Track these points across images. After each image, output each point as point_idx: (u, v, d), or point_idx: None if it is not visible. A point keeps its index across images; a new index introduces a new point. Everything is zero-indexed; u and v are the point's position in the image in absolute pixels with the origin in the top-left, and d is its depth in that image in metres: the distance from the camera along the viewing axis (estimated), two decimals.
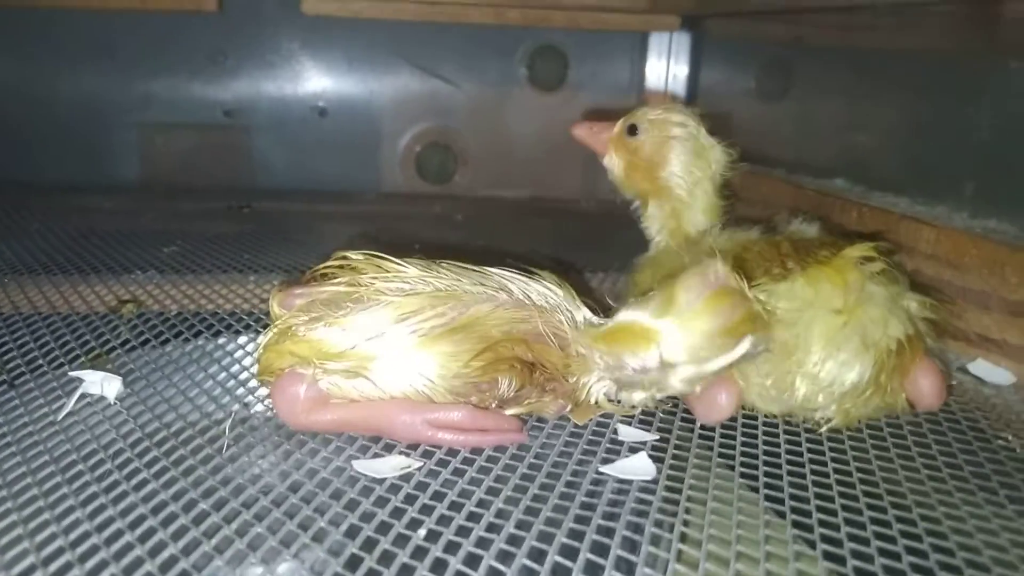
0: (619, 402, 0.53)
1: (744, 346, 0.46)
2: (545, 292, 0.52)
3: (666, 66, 1.39)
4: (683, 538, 0.40)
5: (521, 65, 1.36)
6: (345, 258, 0.53)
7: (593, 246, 1.05)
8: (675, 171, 0.67)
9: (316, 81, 1.32)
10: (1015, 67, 0.69)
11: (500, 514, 0.42)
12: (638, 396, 0.51)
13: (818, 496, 0.45)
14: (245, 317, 0.70)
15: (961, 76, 0.76)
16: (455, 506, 0.42)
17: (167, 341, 0.65)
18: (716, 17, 1.28)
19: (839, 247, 0.55)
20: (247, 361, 0.61)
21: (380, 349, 0.48)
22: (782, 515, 0.43)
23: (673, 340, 0.47)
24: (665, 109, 0.68)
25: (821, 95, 1.01)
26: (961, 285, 0.67)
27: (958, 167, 0.74)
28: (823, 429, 0.52)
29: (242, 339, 0.65)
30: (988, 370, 0.64)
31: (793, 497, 0.45)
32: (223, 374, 0.59)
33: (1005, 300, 0.63)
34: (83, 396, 0.54)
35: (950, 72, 0.78)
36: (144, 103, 1.28)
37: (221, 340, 0.65)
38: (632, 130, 0.68)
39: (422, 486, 0.44)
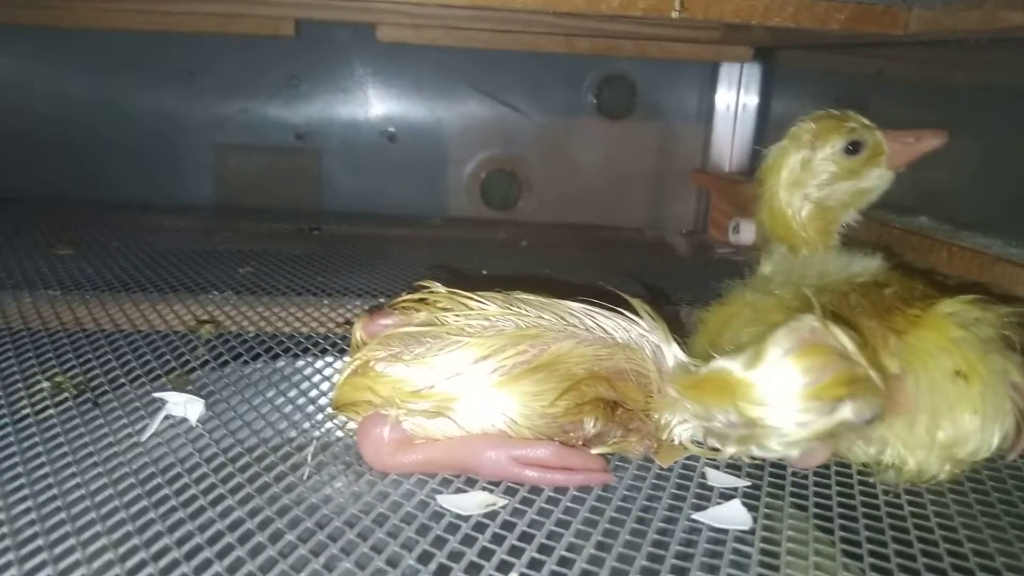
0: (705, 445, 0.52)
1: (843, 413, 0.42)
2: (627, 327, 0.51)
3: (736, 96, 1.37)
4: None
5: (589, 93, 1.36)
6: (428, 290, 0.53)
7: (660, 276, 1.03)
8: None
9: (386, 106, 1.33)
10: None
11: (593, 560, 0.40)
12: (729, 449, 0.49)
13: (895, 540, 0.43)
14: (321, 341, 0.70)
15: None
16: (545, 549, 0.41)
17: (246, 363, 0.65)
18: (788, 48, 1.27)
19: (916, 296, 0.53)
20: (325, 386, 0.61)
21: (460, 389, 0.47)
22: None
23: (755, 397, 0.43)
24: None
25: (903, 128, 0.98)
26: None
27: None
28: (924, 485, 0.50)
29: (319, 364, 0.65)
30: None
31: (869, 540, 0.43)
32: (303, 399, 0.59)
33: None
34: (167, 417, 0.55)
35: None
36: (220, 125, 1.32)
37: (299, 363, 0.65)
38: (855, 147, 0.64)
39: (509, 525, 0.43)
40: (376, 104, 1.33)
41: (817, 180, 0.64)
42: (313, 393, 0.60)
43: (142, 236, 1.09)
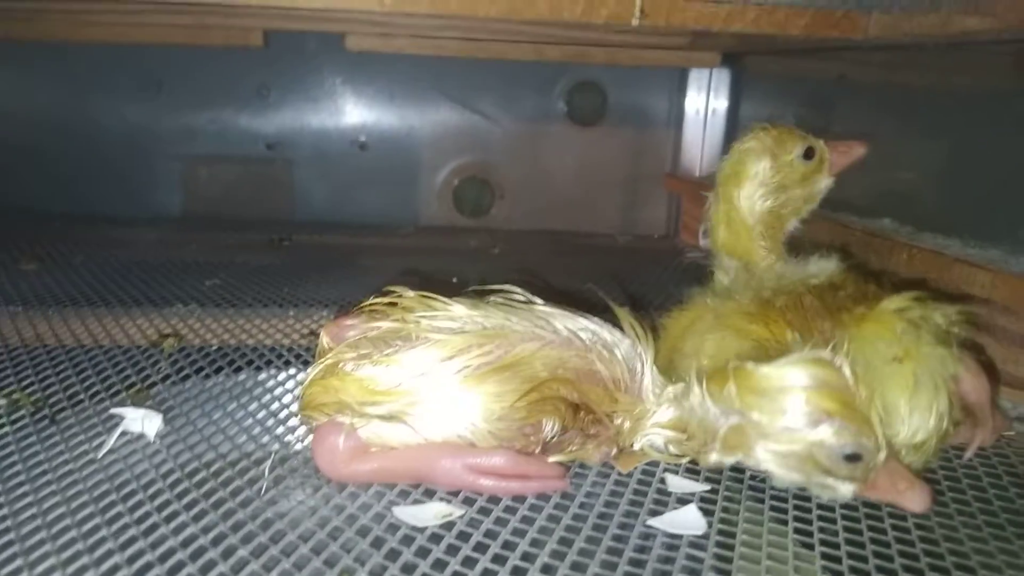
0: (665, 451, 0.52)
1: (824, 431, 0.43)
2: (598, 329, 0.51)
3: (705, 101, 1.38)
4: None
5: (559, 100, 1.37)
6: (396, 294, 0.53)
7: (632, 281, 1.03)
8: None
9: (357, 115, 1.33)
10: None
11: (546, 569, 0.40)
12: (713, 457, 0.48)
13: (877, 555, 0.43)
14: (285, 353, 0.70)
15: (1015, 116, 0.74)
16: (499, 559, 0.41)
17: (208, 376, 0.65)
18: (756, 54, 1.28)
19: (866, 296, 0.54)
20: (287, 399, 0.61)
21: (425, 388, 0.47)
22: (839, 574, 0.42)
23: (753, 384, 0.45)
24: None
25: (867, 131, 0.99)
26: (1017, 331, 0.65)
27: (1013, 210, 0.72)
28: None
29: (282, 376, 0.65)
30: None
31: (852, 556, 0.43)
32: (263, 412, 0.59)
33: None
34: (123, 433, 0.54)
35: (1003, 111, 0.76)
36: (189, 136, 1.31)
37: (262, 376, 0.65)
38: (809, 153, 0.65)
39: (464, 536, 0.43)
40: (347, 113, 1.33)
41: (778, 186, 0.65)
42: (275, 406, 0.60)
43: (109, 249, 1.08)
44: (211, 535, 0.43)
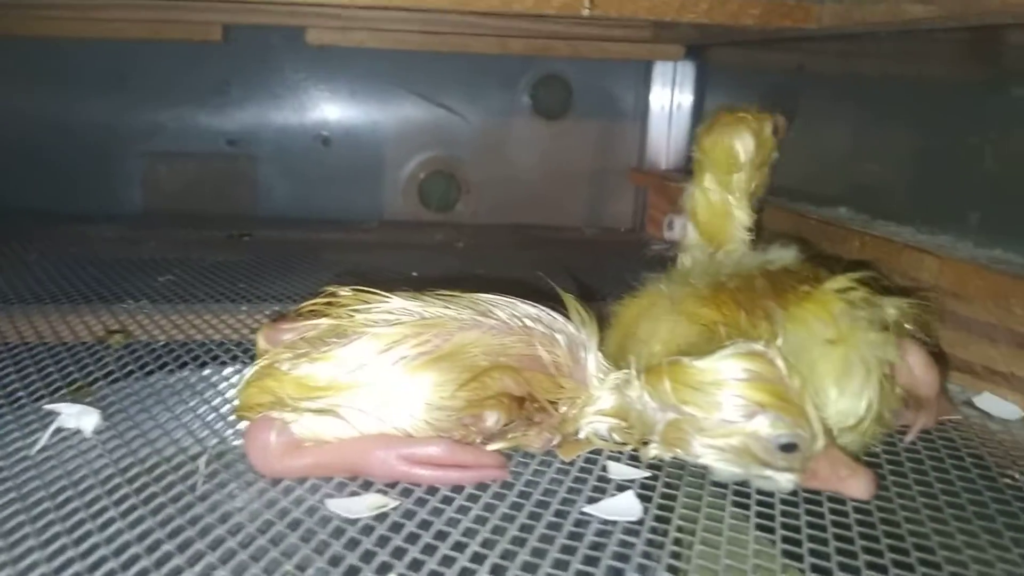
0: (609, 438, 0.52)
1: (759, 423, 0.43)
2: (541, 316, 0.51)
3: (670, 94, 1.38)
4: None
5: (524, 94, 1.36)
6: (332, 294, 0.52)
7: (597, 274, 1.03)
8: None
9: (320, 110, 1.32)
10: (1020, 94, 0.68)
11: (475, 558, 0.40)
12: (652, 450, 0.48)
13: (811, 525, 0.43)
14: (233, 348, 0.69)
15: (965, 104, 0.75)
16: (429, 549, 0.41)
17: (152, 372, 0.64)
18: (720, 46, 1.28)
19: (816, 278, 0.54)
20: (231, 394, 0.60)
21: (362, 381, 0.47)
22: (773, 543, 0.42)
23: (687, 378, 0.45)
24: (731, 125, 0.66)
25: (824, 123, 1.00)
26: (966, 316, 0.65)
27: (962, 196, 0.72)
28: None
29: (228, 371, 0.64)
30: (995, 404, 0.62)
31: (785, 526, 0.43)
32: (205, 407, 0.58)
33: (1012, 332, 0.61)
34: (59, 430, 0.53)
35: (954, 100, 0.76)
36: (150, 132, 1.29)
37: (206, 372, 0.64)
38: (776, 129, 0.67)
39: (396, 527, 0.43)
40: (309, 108, 1.32)
41: (760, 164, 0.65)
42: (217, 401, 0.59)
43: (64, 247, 1.06)
44: (137, 530, 0.42)
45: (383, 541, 0.41)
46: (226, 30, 1.21)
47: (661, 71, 1.37)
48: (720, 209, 0.65)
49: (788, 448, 0.44)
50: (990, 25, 0.70)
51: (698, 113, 1.35)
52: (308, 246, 1.13)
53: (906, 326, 0.54)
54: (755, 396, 0.43)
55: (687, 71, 1.37)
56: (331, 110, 1.32)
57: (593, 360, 0.51)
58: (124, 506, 0.44)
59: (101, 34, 1.20)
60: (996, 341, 0.62)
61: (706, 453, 0.46)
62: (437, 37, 1.22)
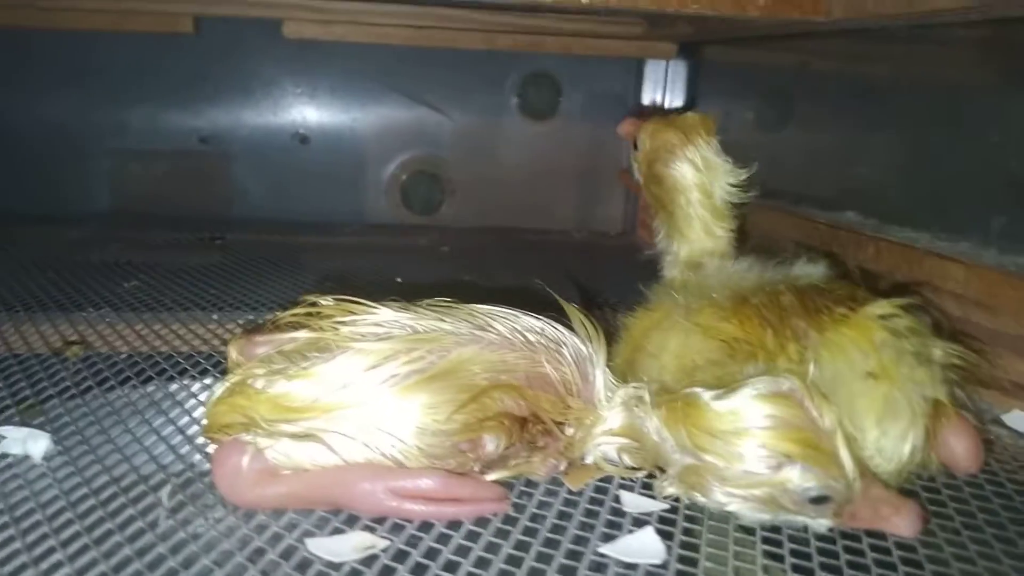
0: (620, 464, 0.47)
1: (787, 474, 0.39)
2: (545, 330, 0.46)
3: (662, 95, 1.34)
4: None
5: (512, 92, 1.31)
6: (313, 304, 0.47)
7: (594, 280, 0.98)
8: (666, 188, 0.61)
9: (298, 108, 1.26)
10: None
11: None
12: (670, 489, 0.44)
13: (851, 565, 0.39)
14: (203, 361, 0.63)
15: (986, 102, 0.71)
16: None
17: (112, 388, 0.58)
18: (714, 44, 1.24)
19: (854, 299, 0.49)
20: (199, 413, 0.54)
21: (346, 402, 0.42)
22: None
23: (707, 424, 0.40)
24: (666, 123, 0.62)
25: (828, 124, 0.96)
26: (993, 328, 0.61)
27: (985, 199, 0.68)
28: None
29: (196, 387, 0.58)
30: None
31: (824, 567, 0.38)
32: (170, 428, 0.52)
33: None
34: (3, 456, 0.47)
35: (972, 96, 0.72)
36: (118, 129, 1.22)
37: (173, 388, 0.58)
38: (635, 144, 0.64)
39: (388, 572, 0.37)
40: (286, 105, 1.26)
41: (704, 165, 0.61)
42: (184, 422, 0.53)
43: (25, 250, 1.00)
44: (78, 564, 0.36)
45: None
46: (198, 22, 1.15)
47: (653, 70, 1.33)
48: (710, 215, 0.61)
49: (819, 500, 0.40)
50: (1013, 18, 0.66)
51: None
52: (285, 250, 1.07)
53: (951, 375, 0.49)
54: (781, 447, 0.39)
55: (679, 70, 1.32)
56: (309, 107, 1.26)
57: (601, 377, 0.47)
58: (73, 547, 0.38)
59: (64, 25, 1.13)
60: None
61: (729, 501, 0.41)
62: (421, 32, 1.17)
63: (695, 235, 0.61)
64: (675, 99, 1.33)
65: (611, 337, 0.58)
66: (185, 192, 1.25)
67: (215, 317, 0.73)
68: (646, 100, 1.34)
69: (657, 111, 0.65)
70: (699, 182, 0.60)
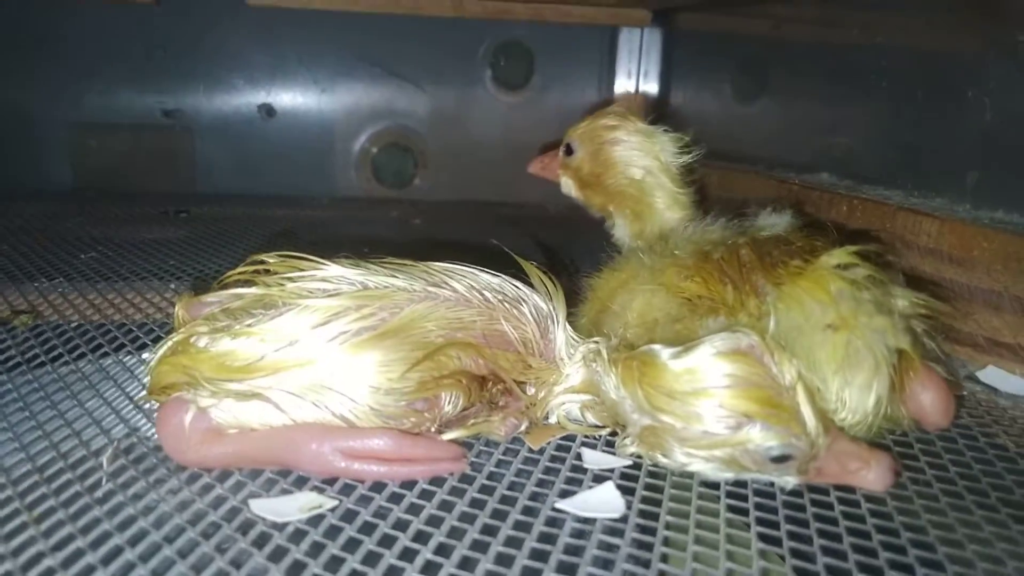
0: (584, 422, 0.45)
1: (747, 433, 0.37)
2: (504, 287, 0.44)
3: (637, 64, 1.32)
4: None
5: (485, 62, 1.29)
6: (261, 262, 0.45)
7: (567, 249, 0.97)
8: (620, 173, 0.62)
9: (263, 79, 1.23)
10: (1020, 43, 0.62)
11: (427, 568, 0.33)
12: (630, 448, 0.42)
13: (821, 534, 0.37)
14: (156, 329, 0.61)
15: (958, 60, 0.69)
16: (371, 558, 0.34)
17: (59, 358, 0.56)
18: (688, 11, 1.22)
19: (810, 250, 0.48)
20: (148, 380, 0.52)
21: (294, 362, 0.40)
22: (780, 556, 0.35)
23: (666, 385, 0.39)
24: (593, 117, 0.64)
25: (802, 89, 0.94)
26: (968, 283, 0.60)
27: (958, 155, 0.66)
28: None
29: (147, 355, 0.56)
30: (1001, 378, 0.57)
31: (791, 536, 0.37)
32: (118, 395, 0.50)
33: (1018, 299, 0.56)
34: None
35: (945, 57, 0.71)
36: (76, 102, 1.19)
37: (122, 356, 0.56)
38: (568, 150, 0.66)
39: (333, 532, 0.36)
40: (252, 76, 1.22)
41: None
42: (133, 387, 0.51)
43: None
44: (17, 540, 0.34)
45: (316, 549, 0.34)
46: None
47: (627, 38, 1.31)
48: (670, 185, 0.62)
49: (782, 459, 0.38)
50: None
51: (666, 82, 1.29)
52: (250, 223, 1.05)
53: (917, 326, 0.48)
54: (740, 406, 0.37)
55: (654, 39, 1.30)
56: (276, 79, 1.23)
57: (563, 335, 0.45)
58: (12, 524, 0.36)
59: None
60: (1001, 310, 0.57)
61: (691, 461, 0.39)
62: None
63: (660, 206, 0.61)
64: (650, 67, 1.31)
65: (576, 298, 0.57)
66: (149, 167, 1.22)
67: (172, 287, 0.71)
68: (621, 69, 1.32)
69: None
70: (650, 150, 0.62)
